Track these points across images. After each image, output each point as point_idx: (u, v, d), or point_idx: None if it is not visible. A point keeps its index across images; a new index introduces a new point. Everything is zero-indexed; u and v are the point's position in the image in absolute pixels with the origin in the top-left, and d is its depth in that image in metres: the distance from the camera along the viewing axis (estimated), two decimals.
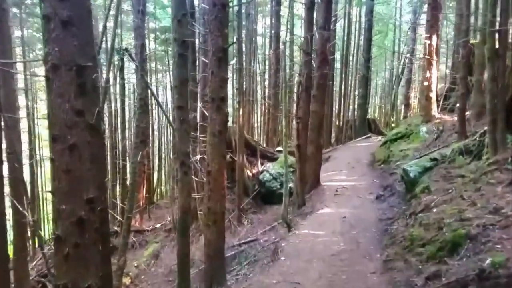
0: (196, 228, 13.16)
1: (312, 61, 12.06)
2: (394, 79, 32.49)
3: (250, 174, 14.86)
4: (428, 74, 14.77)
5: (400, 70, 31.58)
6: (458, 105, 10.50)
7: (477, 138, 8.57)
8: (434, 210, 6.85)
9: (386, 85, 39.08)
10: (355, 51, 25.01)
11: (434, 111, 15.07)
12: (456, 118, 14.30)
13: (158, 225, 15.56)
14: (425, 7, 26.94)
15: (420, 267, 5.53)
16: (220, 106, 6.15)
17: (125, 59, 11.81)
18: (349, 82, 25.70)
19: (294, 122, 11.43)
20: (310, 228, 9.30)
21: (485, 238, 4.69)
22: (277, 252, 8.41)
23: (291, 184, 13.74)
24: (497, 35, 6.83)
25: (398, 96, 31.14)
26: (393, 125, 31.07)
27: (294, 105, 12.68)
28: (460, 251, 4.96)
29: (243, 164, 14.32)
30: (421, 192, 8.32)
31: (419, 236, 6.36)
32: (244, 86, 16.66)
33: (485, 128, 9.09)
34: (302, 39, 11.78)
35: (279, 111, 19.49)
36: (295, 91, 11.34)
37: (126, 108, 20.16)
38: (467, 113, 14.18)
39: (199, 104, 12.76)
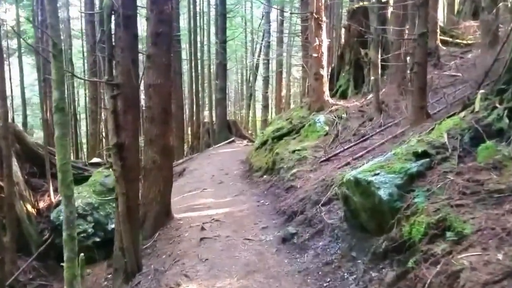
0: None
1: None
2: (249, 76, 28.88)
3: (33, 210, 7.81)
4: (317, 42, 10.44)
5: (255, 66, 28.12)
6: (414, 71, 6.01)
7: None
8: None
9: (239, 88, 35.66)
10: (206, 32, 19.88)
11: (327, 95, 10.82)
12: (358, 103, 10.29)
13: None
14: None
15: None
16: None
17: None
18: (202, 74, 20.42)
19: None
20: None
21: None
22: None
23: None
24: None
25: (255, 95, 27.51)
26: (250, 131, 27.27)
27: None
28: None
29: (18, 191, 7.28)
30: (431, 240, 3.25)
31: None
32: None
33: None
34: None
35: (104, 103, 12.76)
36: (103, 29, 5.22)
37: None
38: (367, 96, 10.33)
39: None
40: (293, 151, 8.99)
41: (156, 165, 7.09)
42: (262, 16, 28.99)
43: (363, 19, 11.77)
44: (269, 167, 9.56)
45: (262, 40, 27.37)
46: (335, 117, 9.57)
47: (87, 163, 9.85)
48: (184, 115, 22.08)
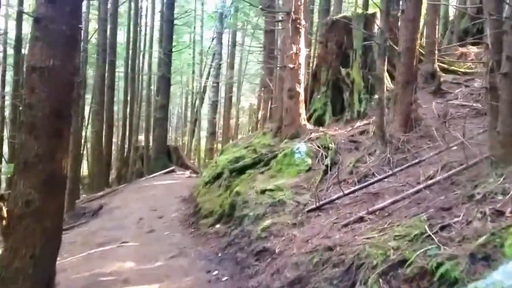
0: None
1: None
2: (194, 100, 26.05)
3: None
4: (293, 49, 8.00)
5: (202, 89, 25.41)
6: (503, 71, 3.52)
7: None
8: None
9: (182, 113, 32.43)
10: (148, 37, 16.95)
11: (304, 118, 8.30)
12: (344, 131, 7.91)
13: None
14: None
15: None
16: None
17: None
18: (139, 88, 17.22)
19: None
20: None
21: None
22: None
23: None
24: None
25: (200, 120, 24.58)
26: (192, 159, 24.16)
27: None
28: None
29: None
30: None
31: None
32: None
33: None
34: None
35: None
36: None
37: None
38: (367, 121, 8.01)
39: None
40: (263, 191, 6.20)
41: (31, 209, 3.89)
42: (213, 38, 26.72)
43: (344, 33, 9.68)
44: (226, 212, 6.64)
45: (212, 62, 24.97)
46: (319, 147, 6.99)
47: None
48: (115, 134, 18.56)
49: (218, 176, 8.00)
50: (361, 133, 7.34)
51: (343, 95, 9.40)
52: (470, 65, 9.00)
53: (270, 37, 11.85)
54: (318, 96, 9.72)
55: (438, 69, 8.79)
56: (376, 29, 9.27)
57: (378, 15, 9.42)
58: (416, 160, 5.31)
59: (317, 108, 9.52)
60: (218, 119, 25.00)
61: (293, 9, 7.99)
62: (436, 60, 8.77)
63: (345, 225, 4.55)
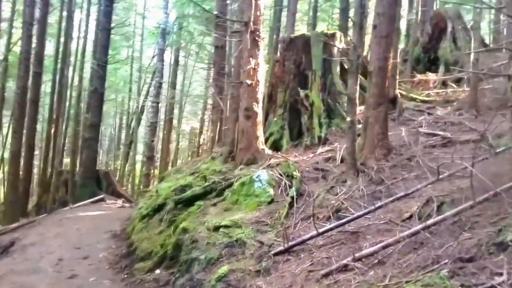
0: None
1: None
2: (130, 121, 24.21)
3: None
4: (251, 64, 7.14)
5: (140, 110, 23.75)
6: None
7: None
8: None
9: (116, 135, 30.07)
10: (81, 47, 15.23)
11: (262, 142, 7.36)
12: (306, 158, 7.11)
13: None
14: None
15: None
16: None
17: None
18: (67, 104, 15.28)
19: None
20: None
21: None
22: None
23: None
24: None
25: (136, 143, 22.71)
26: (125, 186, 22.15)
27: None
28: None
29: None
30: None
31: None
32: None
33: None
34: None
35: None
36: None
37: None
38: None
39: None
40: (217, 228, 5.10)
41: None
42: (154, 55, 25.34)
43: (302, 52, 9.09)
44: (169, 254, 5.38)
45: (152, 80, 23.47)
46: (281, 175, 6.07)
47: None
48: (36, 156, 16.26)
49: (160, 208, 6.70)
50: (327, 160, 6.57)
51: (301, 119, 8.70)
52: (429, 93, 8.78)
53: (221, 53, 10.97)
54: (275, 119, 8.90)
55: (399, 95, 8.45)
56: (335, 49, 8.81)
57: (338, 35, 9.02)
58: (402, 194, 4.55)
59: (273, 131, 8.67)
60: (156, 142, 23.34)
61: (252, 19, 7.18)
62: (397, 86, 8.42)
63: (326, 275, 3.62)
